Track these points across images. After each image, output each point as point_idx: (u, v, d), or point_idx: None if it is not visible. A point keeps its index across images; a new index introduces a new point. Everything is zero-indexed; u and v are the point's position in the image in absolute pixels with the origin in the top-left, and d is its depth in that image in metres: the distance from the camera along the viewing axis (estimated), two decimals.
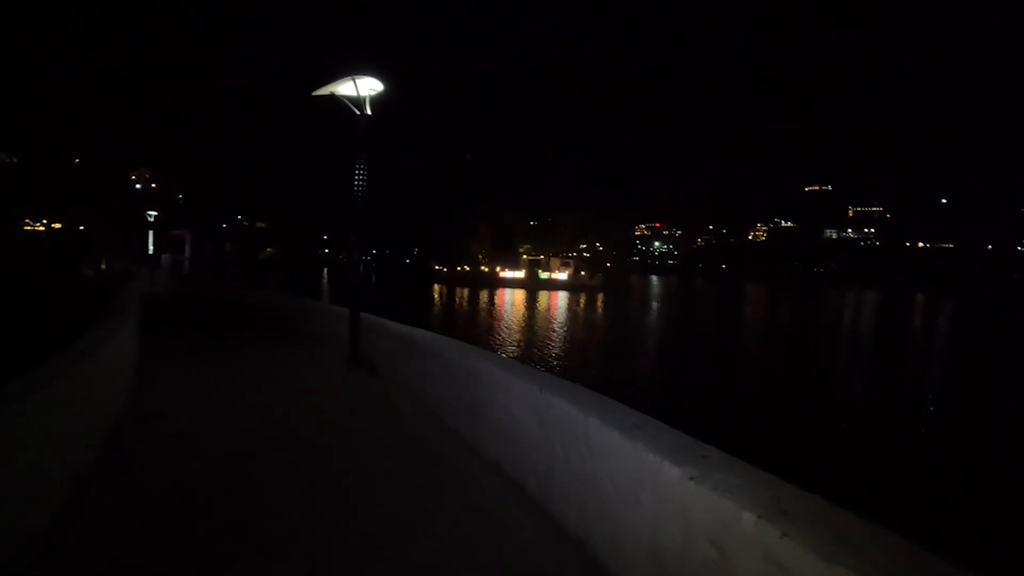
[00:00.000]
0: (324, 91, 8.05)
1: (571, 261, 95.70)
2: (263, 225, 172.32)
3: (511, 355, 26.74)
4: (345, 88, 8.01)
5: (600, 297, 73.78)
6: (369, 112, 7.99)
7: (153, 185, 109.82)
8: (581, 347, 31.84)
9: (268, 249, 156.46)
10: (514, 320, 42.40)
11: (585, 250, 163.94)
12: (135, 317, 10.11)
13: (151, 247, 36.82)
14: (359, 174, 7.97)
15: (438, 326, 40.07)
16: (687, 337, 39.18)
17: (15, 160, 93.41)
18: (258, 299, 16.83)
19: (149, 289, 30.04)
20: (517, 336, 33.40)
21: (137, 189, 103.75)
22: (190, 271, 35.86)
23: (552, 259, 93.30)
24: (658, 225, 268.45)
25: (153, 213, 37.72)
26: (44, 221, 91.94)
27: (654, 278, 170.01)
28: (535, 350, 28.33)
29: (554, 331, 36.71)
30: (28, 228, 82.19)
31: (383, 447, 5.37)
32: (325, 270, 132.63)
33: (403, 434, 5.76)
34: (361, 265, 8.32)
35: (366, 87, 7.96)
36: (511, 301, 62.30)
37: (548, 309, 54.01)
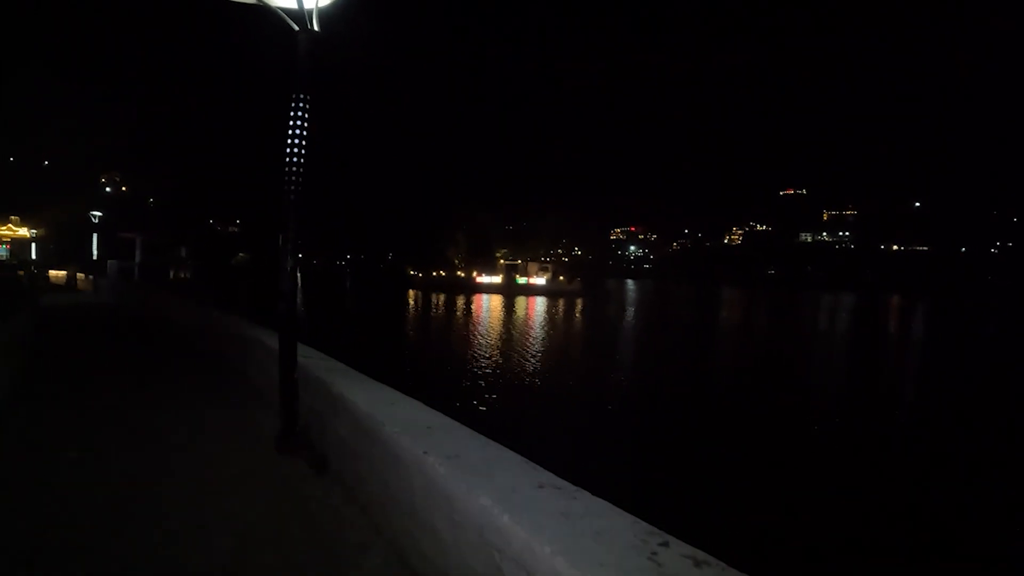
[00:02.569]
0: None
1: (549, 266, 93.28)
2: (235, 229, 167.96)
3: (494, 365, 24.22)
4: None
5: (579, 302, 71.15)
6: (316, 28, 4.88)
7: (123, 188, 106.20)
8: (569, 357, 29.39)
9: (240, 254, 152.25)
10: (495, 329, 39.25)
11: (563, 255, 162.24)
12: None
13: (95, 252, 33.06)
14: (296, 124, 4.83)
15: (414, 338, 37.13)
16: (675, 344, 36.96)
17: None
18: (194, 319, 13.29)
19: (91, 300, 26.78)
20: (499, 347, 30.23)
21: (107, 192, 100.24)
22: (139, 279, 32.26)
23: (530, 264, 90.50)
24: (633, 229, 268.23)
25: (97, 213, 33.87)
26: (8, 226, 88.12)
27: (630, 282, 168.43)
28: (519, 359, 25.60)
29: (540, 340, 33.86)
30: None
31: None
32: (299, 276, 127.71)
33: None
34: (297, 274, 5.03)
35: None
36: (491, 308, 59.14)
37: (531, 317, 50.98)
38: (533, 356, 28.09)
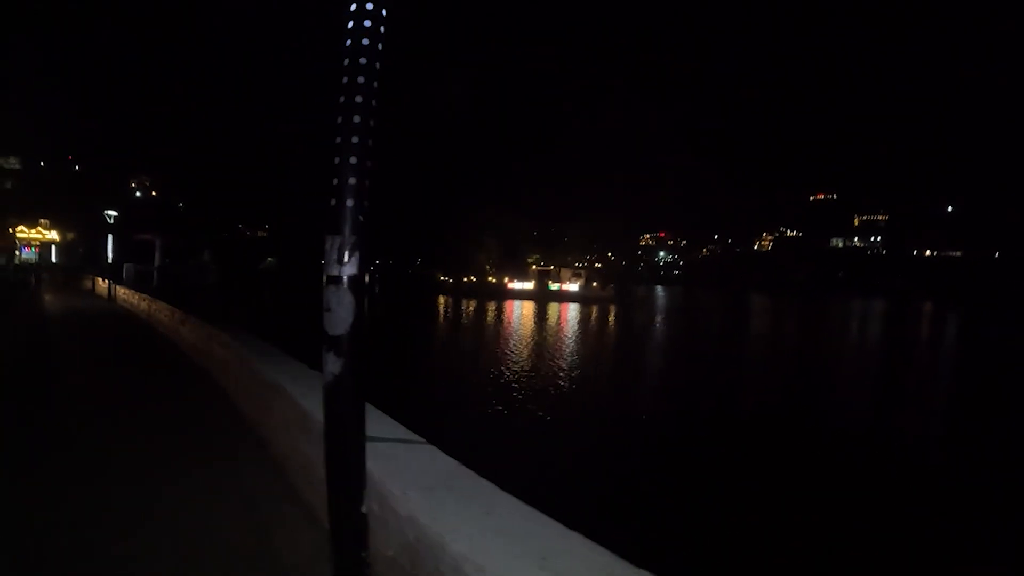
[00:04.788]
0: None
1: (582, 272, 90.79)
2: (264, 234, 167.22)
3: (540, 380, 21.88)
4: None
5: (613, 309, 68.50)
6: None
7: (153, 193, 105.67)
8: (620, 376, 26.86)
9: (269, 259, 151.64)
10: (538, 340, 36.78)
11: (596, 260, 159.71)
12: None
13: (110, 254, 30.80)
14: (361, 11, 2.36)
15: (456, 348, 34.76)
16: (714, 357, 34.74)
17: (16, 165, 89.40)
18: (198, 342, 10.64)
19: (102, 306, 24.88)
20: (545, 360, 27.75)
21: (137, 197, 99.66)
22: (158, 284, 30.12)
23: (563, 270, 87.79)
24: (663, 235, 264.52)
25: (112, 213, 31.59)
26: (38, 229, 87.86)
27: (659, 288, 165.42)
28: (567, 374, 23.24)
29: (586, 355, 31.60)
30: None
31: None
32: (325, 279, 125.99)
33: None
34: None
35: None
36: (530, 315, 56.62)
37: (569, 326, 48.54)
38: (578, 371, 25.86)
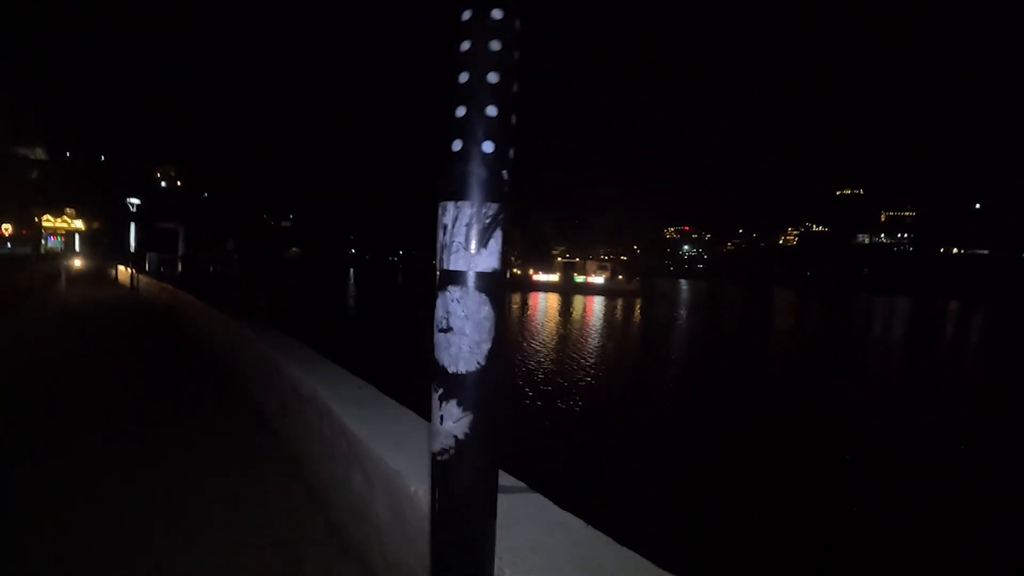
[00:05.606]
0: None
1: (608, 264, 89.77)
2: (288, 224, 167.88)
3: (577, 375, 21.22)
4: None
5: (638, 303, 67.49)
6: None
7: (178, 183, 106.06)
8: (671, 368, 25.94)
9: (293, 249, 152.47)
10: (569, 333, 36.03)
11: (622, 253, 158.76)
12: None
13: (132, 243, 30.14)
14: None
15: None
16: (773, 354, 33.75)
17: (43, 156, 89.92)
18: (233, 343, 9.46)
19: (127, 295, 24.34)
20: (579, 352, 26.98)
21: (162, 187, 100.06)
22: (182, 274, 29.43)
23: (588, 262, 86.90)
24: (687, 228, 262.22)
25: (135, 201, 30.87)
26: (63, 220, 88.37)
27: (683, 282, 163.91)
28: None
29: (611, 344, 30.82)
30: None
31: None
32: (351, 271, 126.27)
33: None
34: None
35: None
36: (554, 307, 55.67)
37: (596, 318, 47.84)
38: (603, 365, 25.32)
